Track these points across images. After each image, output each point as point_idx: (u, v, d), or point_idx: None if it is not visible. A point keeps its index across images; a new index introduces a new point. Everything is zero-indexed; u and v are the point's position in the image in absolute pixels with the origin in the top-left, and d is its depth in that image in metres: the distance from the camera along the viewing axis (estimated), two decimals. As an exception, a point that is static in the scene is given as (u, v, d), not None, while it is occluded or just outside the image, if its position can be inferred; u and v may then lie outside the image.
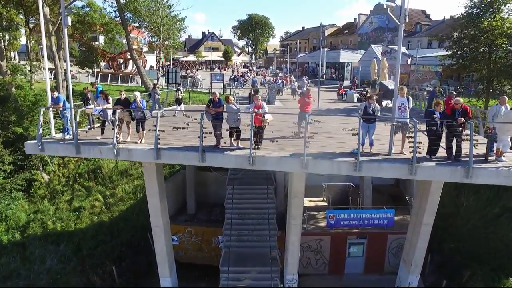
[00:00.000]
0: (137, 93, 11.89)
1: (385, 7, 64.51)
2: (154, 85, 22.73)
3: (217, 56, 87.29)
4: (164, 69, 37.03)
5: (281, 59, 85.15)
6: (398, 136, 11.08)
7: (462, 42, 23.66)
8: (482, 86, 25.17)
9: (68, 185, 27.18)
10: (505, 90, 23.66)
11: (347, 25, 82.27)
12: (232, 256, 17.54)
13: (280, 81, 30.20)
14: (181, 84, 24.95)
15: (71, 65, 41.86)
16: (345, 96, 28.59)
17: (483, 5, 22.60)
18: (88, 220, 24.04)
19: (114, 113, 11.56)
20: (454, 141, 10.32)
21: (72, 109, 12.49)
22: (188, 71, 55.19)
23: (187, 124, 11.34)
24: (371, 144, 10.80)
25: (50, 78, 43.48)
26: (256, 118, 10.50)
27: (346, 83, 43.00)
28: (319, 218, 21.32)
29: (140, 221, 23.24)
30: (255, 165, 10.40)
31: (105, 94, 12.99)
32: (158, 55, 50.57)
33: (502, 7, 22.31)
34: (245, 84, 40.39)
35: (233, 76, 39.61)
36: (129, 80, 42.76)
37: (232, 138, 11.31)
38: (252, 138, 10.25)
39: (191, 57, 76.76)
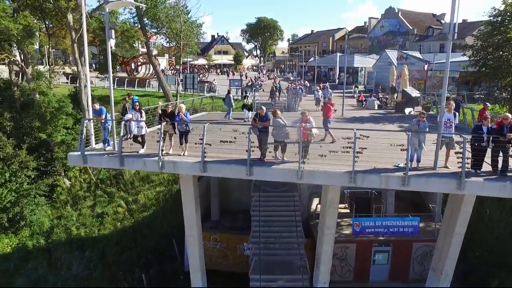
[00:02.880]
0: (182, 106, 11.99)
1: (396, 11, 64.57)
2: (229, 91, 23.50)
3: (227, 59, 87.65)
4: (181, 74, 37.21)
5: (291, 62, 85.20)
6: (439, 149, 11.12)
7: (486, 50, 23.74)
8: (504, 94, 25.23)
9: (89, 190, 27.46)
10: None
11: (357, 28, 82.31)
12: (262, 264, 17.62)
13: (298, 87, 30.25)
14: (248, 92, 25.80)
15: (90, 71, 42.36)
16: (365, 103, 28.62)
17: (508, 13, 22.70)
18: (112, 226, 24.25)
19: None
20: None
21: (114, 121, 12.61)
22: (201, 75, 55.43)
23: (235, 138, 11.47)
24: (418, 160, 10.91)
25: (66, 83, 43.98)
26: (303, 133, 10.64)
27: (361, 87, 43.10)
28: (343, 225, 21.34)
29: (164, 228, 23.42)
30: (303, 179, 10.52)
31: (139, 106, 13.04)
32: (171, 59, 50.69)
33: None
34: (260, 89, 40.42)
35: (250, 83, 39.54)
36: (146, 85, 43.06)
37: (277, 152, 11.45)
38: (301, 153, 10.37)
39: (201, 61, 77.06)
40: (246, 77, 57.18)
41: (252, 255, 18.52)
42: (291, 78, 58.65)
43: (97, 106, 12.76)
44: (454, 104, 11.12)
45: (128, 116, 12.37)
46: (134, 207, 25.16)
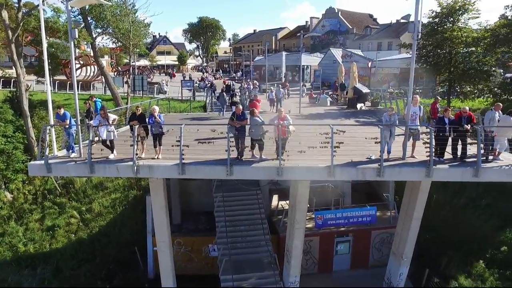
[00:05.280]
0: (156, 107, 11.59)
1: (336, 11, 67.57)
2: (222, 90, 25.53)
3: (170, 60, 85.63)
4: (127, 75, 35.76)
5: (235, 62, 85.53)
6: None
7: (426, 49, 25.84)
8: (441, 89, 27.59)
9: (36, 203, 25.44)
10: (465, 91, 26.32)
11: (299, 28, 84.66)
12: (232, 264, 17.61)
13: (252, 87, 30.50)
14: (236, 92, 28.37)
15: (29, 74, 39.12)
16: (317, 100, 29.60)
17: (444, 15, 24.92)
18: (65, 239, 22.76)
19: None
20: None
21: (79, 126, 11.89)
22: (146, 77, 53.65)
23: (213, 138, 11.33)
24: (389, 152, 11.61)
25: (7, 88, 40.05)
26: (282, 130, 10.82)
27: (308, 85, 44.55)
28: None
29: (124, 236, 22.49)
30: (283, 176, 10.72)
31: (105, 112, 12.37)
32: (112, 60, 48.42)
33: (459, 17, 24.85)
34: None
35: (209, 85, 38.10)
36: (90, 88, 40.63)
37: (254, 150, 11.51)
38: (280, 150, 10.55)
39: (143, 62, 74.45)
40: (191, 78, 56.15)
41: (221, 256, 18.41)
42: (237, 78, 59.09)
43: (61, 111, 11.92)
44: (419, 98, 11.98)
45: (96, 122, 11.72)
46: (89, 217, 23.81)
